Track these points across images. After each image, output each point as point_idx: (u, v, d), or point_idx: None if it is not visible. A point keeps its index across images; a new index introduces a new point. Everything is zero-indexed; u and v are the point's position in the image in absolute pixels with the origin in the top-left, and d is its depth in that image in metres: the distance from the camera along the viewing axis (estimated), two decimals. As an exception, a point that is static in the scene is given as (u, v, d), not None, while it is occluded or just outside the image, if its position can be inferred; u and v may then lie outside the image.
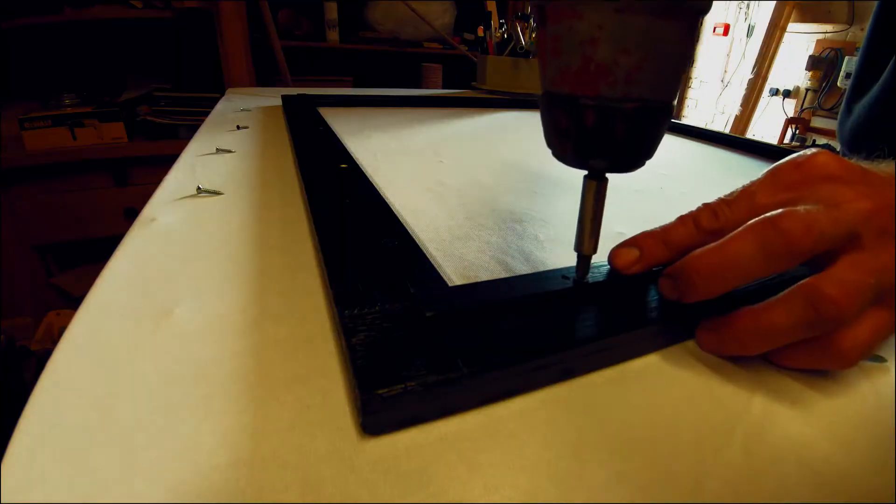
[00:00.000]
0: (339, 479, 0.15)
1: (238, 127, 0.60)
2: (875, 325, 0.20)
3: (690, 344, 0.23)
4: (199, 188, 0.37)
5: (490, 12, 1.05)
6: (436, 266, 0.27)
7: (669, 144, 0.69)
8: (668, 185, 0.47)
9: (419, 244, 0.27)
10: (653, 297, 0.23)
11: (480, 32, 1.09)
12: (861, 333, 0.20)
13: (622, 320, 0.21)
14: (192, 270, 0.26)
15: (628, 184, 0.47)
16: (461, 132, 0.66)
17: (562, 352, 0.19)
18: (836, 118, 0.64)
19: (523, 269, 0.29)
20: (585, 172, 0.22)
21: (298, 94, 0.78)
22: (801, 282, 0.20)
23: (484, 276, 0.27)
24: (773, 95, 2.71)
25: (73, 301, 1.50)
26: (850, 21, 2.34)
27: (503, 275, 0.28)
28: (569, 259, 0.30)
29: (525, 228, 0.35)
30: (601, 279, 0.24)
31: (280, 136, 0.57)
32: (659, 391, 0.20)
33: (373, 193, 0.35)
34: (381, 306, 0.20)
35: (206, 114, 0.70)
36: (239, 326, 0.22)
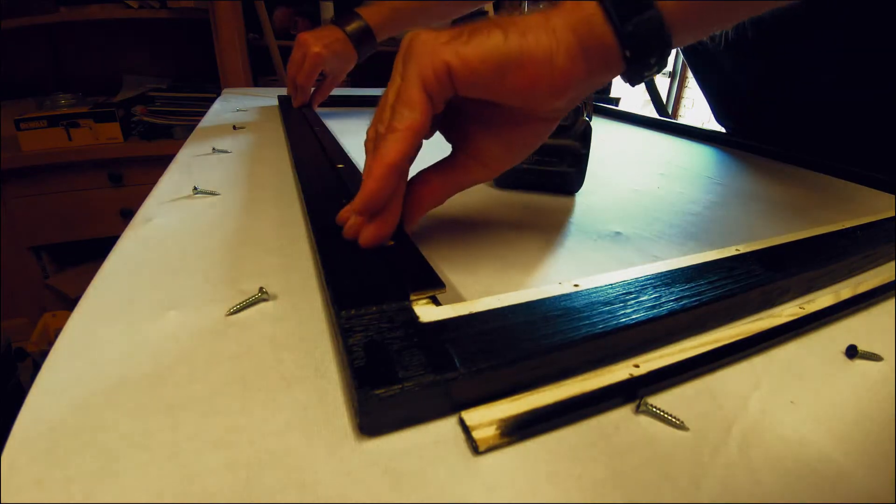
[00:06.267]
0: (337, 480, 0.15)
1: (234, 127, 0.60)
2: None
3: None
4: (195, 189, 0.37)
5: (486, 12, 1.05)
6: (432, 265, 0.27)
7: (667, 144, 0.69)
8: (666, 185, 0.47)
9: (415, 244, 0.27)
10: (648, 299, 0.23)
11: (477, 32, 1.08)
12: None
13: (617, 321, 0.21)
14: (187, 271, 0.26)
15: (626, 184, 0.47)
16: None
17: (559, 352, 0.19)
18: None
19: (519, 274, 0.29)
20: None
21: (295, 94, 0.77)
22: None
23: (480, 275, 0.27)
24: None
25: (69, 302, 1.49)
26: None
27: (499, 275, 0.28)
28: (563, 264, 0.30)
29: (522, 227, 0.35)
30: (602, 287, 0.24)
31: (277, 136, 0.57)
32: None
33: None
34: (378, 307, 0.20)
35: (202, 114, 0.70)
36: (235, 327, 0.22)
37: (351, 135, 0.60)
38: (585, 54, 0.24)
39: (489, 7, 1.06)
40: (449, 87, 0.24)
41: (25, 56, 1.57)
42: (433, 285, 0.22)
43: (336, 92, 0.72)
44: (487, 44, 0.23)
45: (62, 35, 1.57)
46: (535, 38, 0.23)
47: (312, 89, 0.66)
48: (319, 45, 0.62)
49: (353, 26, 0.63)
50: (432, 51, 0.23)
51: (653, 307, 0.22)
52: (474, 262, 0.29)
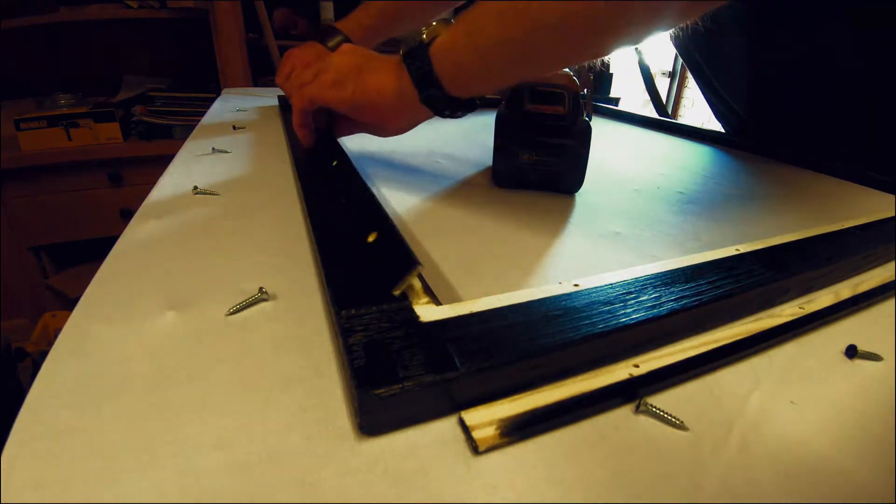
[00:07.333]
0: (337, 480, 0.15)
1: (234, 127, 0.60)
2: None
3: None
4: (195, 188, 0.37)
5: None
6: (432, 265, 0.27)
7: (667, 144, 0.69)
8: (666, 185, 0.47)
9: (413, 244, 0.27)
10: (648, 298, 0.23)
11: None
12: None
13: (617, 321, 0.21)
14: (187, 271, 0.26)
15: (626, 184, 0.47)
16: (457, 131, 0.66)
17: (559, 352, 0.19)
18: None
19: (519, 274, 0.29)
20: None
21: (295, 94, 0.77)
22: None
23: (480, 275, 0.27)
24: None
25: (69, 302, 1.49)
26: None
27: (499, 275, 0.28)
28: (563, 264, 0.31)
29: (522, 227, 0.35)
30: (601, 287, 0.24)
31: (276, 136, 0.57)
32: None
33: (369, 193, 0.34)
34: (378, 307, 0.20)
35: (202, 114, 0.70)
36: (235, 327, 0.22)
37: (350, 135, 0.59)
38: (408, 105, 0.36)
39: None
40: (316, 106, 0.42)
41: (25, 56, 1.57)
42: (410, 266, 0.22)
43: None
44: (342, 94, 0.39)
45: (62, 35, 1.57)
46: (377, 94, 0.38)
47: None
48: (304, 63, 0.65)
49: (334, 42, 0.66)
50: (303, 90, 0.42)
51: (653, 307, 0.22)
52: (474, 261, 0.29)
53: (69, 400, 0.17)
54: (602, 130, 0.75)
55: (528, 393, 0.19)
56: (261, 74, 1.61)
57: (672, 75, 3.20)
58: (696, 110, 3.11)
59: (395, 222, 0.30)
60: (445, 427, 0.17)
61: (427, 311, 0.20)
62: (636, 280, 0.24)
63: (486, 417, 0.17)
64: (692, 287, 0.24)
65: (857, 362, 0.23)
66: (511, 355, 0.18)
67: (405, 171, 0.47)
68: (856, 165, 0.54)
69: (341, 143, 0.49)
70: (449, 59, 0.34)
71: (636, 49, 1.17)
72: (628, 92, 2.47)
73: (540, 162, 0.41)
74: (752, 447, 0.17)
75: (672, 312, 0.22)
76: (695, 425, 0.18)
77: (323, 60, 0.41)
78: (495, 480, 0.15)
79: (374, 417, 0.16)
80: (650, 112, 0.97)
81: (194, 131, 0.59)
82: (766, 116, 0.71)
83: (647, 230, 0.36)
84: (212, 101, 0.81)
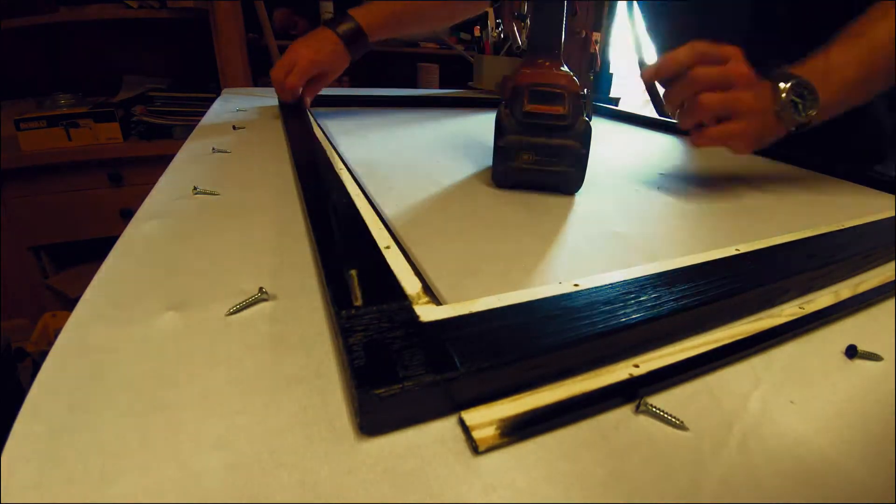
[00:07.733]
0: (337, 480, 0.15)
1: (234, 127, 0.60)
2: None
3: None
4: (195, 189, 0.37)
5: (486, 12, 1.05)
6: (433, 265, 0.27)
7: (668, 144, 0.69)
8: (666, 184, 0.47)
9: (407, 248, 0.27)
10: (648, 298, 0.23)
11: (477, 32, 1.08)
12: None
13: (617, 321, 0.21)
14: (187, 271, 0.26)
15: (626, 184, 0.47)
16: (458, 132, 0.66)
17: (559, 351, 0.19)
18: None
19: (519, 274, 0.29)
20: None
21: (295, 94, 0.77)
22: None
23: (480, 275, 0.27)
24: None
25: (69, 302, 1.49)
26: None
27: (499, 275, 0.28)
28: (563, 264, 0.30)
29: (522, 227, 0.35)
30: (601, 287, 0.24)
31: (276, 137, 0.57)
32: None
33: (368, 194, 0.35)
34: (378, 307, 0.20)
35: (202, 114, 0.70)
36: (234, 328, 0.22)
37: (349, 135, 0.60)
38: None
39: (489, 7, 1.06)
40: None
41: (25, 56, 1.57)
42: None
43: (335, 92, 0.72)
44: (759, 144, 0.45)
45: (62, 35, 1.57)
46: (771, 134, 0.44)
47: (302, 89, 0.67)
48: (311, 51, 0.64)
49: (344, 27, 0.65)
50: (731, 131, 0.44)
51: (653, 307, 0.22)
52: (474, 261, 0.29)
53: (69, 400, 0.17)
54: (602, 130, 0.75)
55: (528, 393, 0.19)
56: (261, 74, 1.61)
57: (672, 75, 3.18)
58: (696, 110, 3.07)
59: (395, 222, 0.30)
60: (445, 427, 0.17)
61: (427, 311, 0.20)
62: (636, 280, 0.24)
63: (486, 417, 0.17)
64: (692, 287, 0.24)
65: (857, 362, 0.23)
66: (511, 355, 0.18)
67: (405, 171, 0.47)
68: (856, 165, 0.54)
69: (340, 143, 0.49)
70: (836, 82, 0.42)
71: (636, 48, 1.17)
72: (628, 92, 2.47)
73: (540, 162, 0.41)
74: (752, 447, 0.17)
75: (672, 312, 0.22)
76: (695, 425, 0.18)
77: (740, 101, 0.42)
78: (495, 480, 0.15)
79: (374, 417, 0.16)
80: (650, 112, 0.97)
81: (194, 131, 0.59)
82: None
83: (647, 230, 0.36)
84: (212, 101, 0.81)
